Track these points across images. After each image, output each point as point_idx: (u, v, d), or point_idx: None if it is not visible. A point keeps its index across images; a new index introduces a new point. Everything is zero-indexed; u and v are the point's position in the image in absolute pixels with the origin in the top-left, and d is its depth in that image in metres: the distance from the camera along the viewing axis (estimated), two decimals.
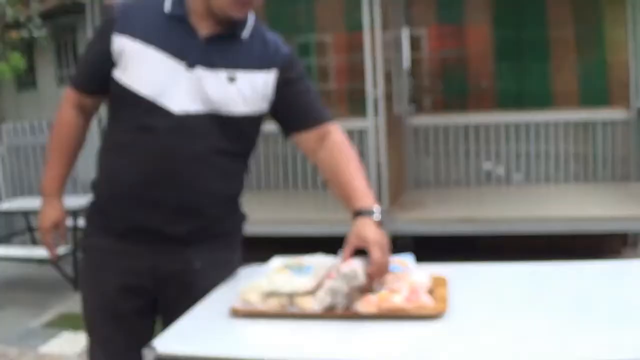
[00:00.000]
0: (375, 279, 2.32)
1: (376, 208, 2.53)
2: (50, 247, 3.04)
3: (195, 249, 2.78)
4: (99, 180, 2.87)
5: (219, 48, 2.71)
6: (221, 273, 2.79)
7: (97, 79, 2.79)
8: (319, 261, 2.49)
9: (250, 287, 2.38)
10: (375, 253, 2.35)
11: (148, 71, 2.66)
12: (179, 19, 2.69)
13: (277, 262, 2.55)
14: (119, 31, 2.69)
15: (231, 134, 2.75)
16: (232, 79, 2.70)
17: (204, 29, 2.69)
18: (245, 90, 2.72)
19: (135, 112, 2.67)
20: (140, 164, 2.67)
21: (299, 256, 2.54)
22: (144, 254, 2.76)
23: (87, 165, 9.03)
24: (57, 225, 3.01)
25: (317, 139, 2.81)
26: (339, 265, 2.34)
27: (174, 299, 2.78)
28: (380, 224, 2.48)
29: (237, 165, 2.88)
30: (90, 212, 2.94)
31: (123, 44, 2.68)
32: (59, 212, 3.01)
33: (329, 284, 2.28)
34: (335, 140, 2.80)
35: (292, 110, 2.84)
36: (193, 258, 2.79)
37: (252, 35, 2.79)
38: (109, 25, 2.74)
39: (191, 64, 2.66)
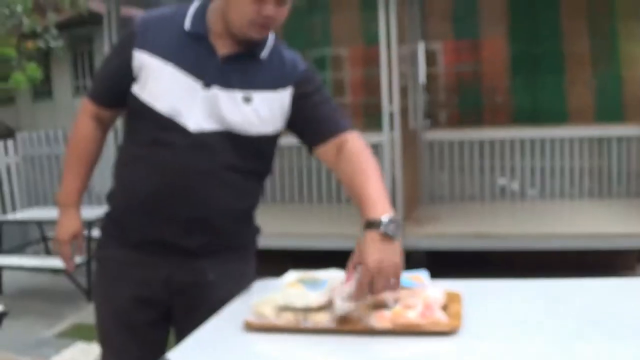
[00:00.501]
0: (357, 300, 2.26)
1: (386, 217, 2.37)
2: (67, 258, 3.01)
3: (209, 261, 2.79)
4: (115, 192, 2.88)
5: (237, 68, 2.71)
6: (235, 285, 2.80)
7: (115, 93, 2.79)
8: (334, 276, 2.49)
9: (264, 301, 2.38)
10: (363, 275, 2.27)
11: (166, 88, 2.67)
12: (199, 37, 2.69)
13: (292, 276, 2.55)
14: (139, 46, 2.69)
15: (246, 152, 2.75)
16: (248, 100, 2.69)
17: (223, 48, 2.69)
18: (262, 111, 2.72)
19: (152, 126, 2.68)
20: (156, 178, 2.67)
21: (313, 270, 2.55)
22: (158, 265, 2.77)
23: (103, 177, 9.05)
24: (75, 237, 3.00)
25: (335, 150, 2.73)
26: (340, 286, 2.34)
27: (187, 311, 2.79)
28: (388, 236, 2.34)
29: (251, 184, 2.87)
30: (105, 223, 2.95)
31: (143, 60, 2.68)
32: (77, 223, 3.01)
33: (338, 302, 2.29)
34: (352, 149, 2.70)
35: (308, 123, 2.81)
36: (207, 270, 2.79)
37: (271, 54, 2.78)
38: (130, 40, 2.74)
39: (207, 83, 2.66)
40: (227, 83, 2.68)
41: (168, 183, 2.67)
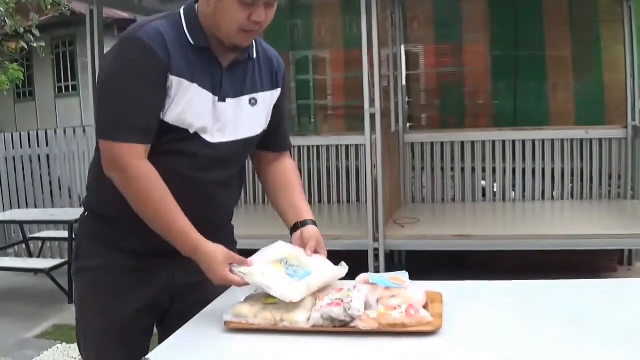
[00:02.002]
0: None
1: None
2: (239, 280, 2.54)
3: None
4: (112, 199, 2.69)
5: (239, 73, 2.74)
6: None
7: (156, 124, 2.61)
8: (320, 267, 2.57)
9: (249, 276, 2.46)
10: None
11: (193, 109, 2.61)
12: (204, 50, 2.65)
13: (282, 248, 2.67)
14: (171, 72, 2.56)
15: (249, 152, 2.94)
16: (253, 102, 2.77)
17: (224, 57, 2.68)
18: (264, 110, 2.83)
19: (172, 139, 2.63)
20: (172, 187, 2.59)
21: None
22: (160, 270, 2.78)
23: (83, 177, 9.05)
24: (231, 259, 2.59)
25: (274, 158, 3.06)
26: (346, 296, 2.37)
27: (184, 312, 2.69)
28: None
29: (242, 181, 3.03)
30: (94, 230, 2.85)
31: (176, 84, 2.58)
32: (220, 249, 2.59)
33: (328, 310, 2.31)
34: (289, 163, 3.09)
35: (269, 129, 2.93)
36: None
37: (257, 51, 2.82)
38: (158, 68, 2.55)
39: (222, 97, 2.67)
40: (236, 92, 2.72)
41: (185, 192, 2.62)
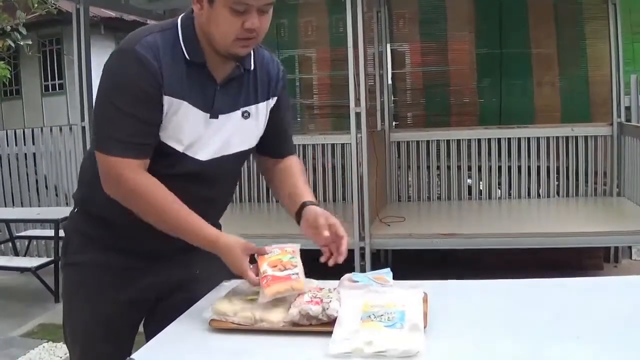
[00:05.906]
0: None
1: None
2: (254, 280, 2.51)
3: (193, 256, 2.79)
4: (107, 203, 2.65)
5: (234, 87, 2.68)
6: (217, 277, 2.88)
7: (155, 139, 2.59)
8: (402, 299, 2.44)
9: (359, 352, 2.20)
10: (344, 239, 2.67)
11: (183, 127, 2.58)
12: (199, 66, 2.60)
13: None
14: (165, 93, 2.52)
15: (242, 164, 2.90)
16: (246, 116, 2.72)
17: (218, 71, 2.63)
18: (258, 121, 2.79)
19: (162, 159, 2.60)
20: None
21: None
22: (148, 268, 2.78)
23: (69, 176, 9.04)
24: (250, 250, 2.58)
25: (278, 161, 3.00)
26: (326, 296, 2.39)
27: (171, 309, 2.68)
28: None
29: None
30: (84, 226, 2.84)
31: (168, 103, 2.54)
32: (237, 242, 2.57)
33: (306, 307, 2.32)
34: (293, 159, 3.03)
35: (271, 135, 2.89)
36: (192, 264, 2.85)
37: (254, 61, 2.75)
38: (155, 85, 2.50)
39: (214, 114, 2.62)
40: (229, 107, 2.67)
41: None
